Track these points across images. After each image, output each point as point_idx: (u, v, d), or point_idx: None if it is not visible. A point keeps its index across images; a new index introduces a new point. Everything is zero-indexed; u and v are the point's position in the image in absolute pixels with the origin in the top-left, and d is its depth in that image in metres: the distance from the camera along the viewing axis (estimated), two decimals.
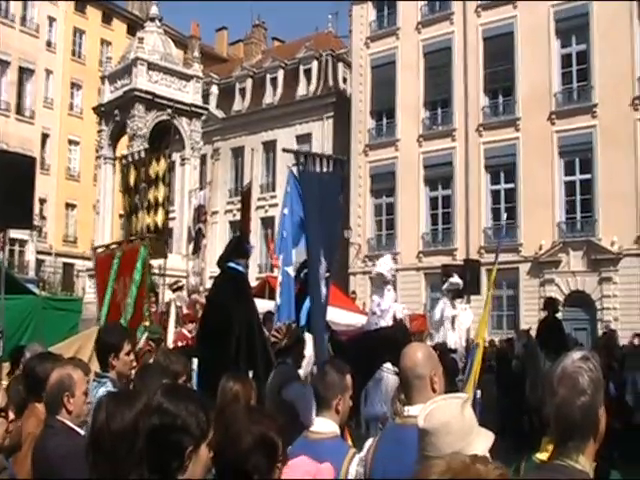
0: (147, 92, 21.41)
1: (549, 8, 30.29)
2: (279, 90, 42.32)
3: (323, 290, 6.17)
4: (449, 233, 32.60)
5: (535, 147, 29.67)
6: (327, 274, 6.23)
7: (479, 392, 5.78)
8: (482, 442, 2.54)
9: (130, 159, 16.18)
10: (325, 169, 6.67)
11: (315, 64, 40.97)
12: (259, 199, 38.67)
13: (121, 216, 23.67)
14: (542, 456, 2.72)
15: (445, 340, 15.81)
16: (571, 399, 2.55)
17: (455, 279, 17.00)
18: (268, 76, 43.05)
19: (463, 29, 32.84)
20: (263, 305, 10.68)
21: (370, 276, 24.16)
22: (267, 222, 38.46)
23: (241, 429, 2.81)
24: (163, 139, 20.92)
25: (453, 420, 2.55)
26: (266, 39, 51.60)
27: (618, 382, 15.21)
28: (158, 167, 15.26)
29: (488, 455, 2.43)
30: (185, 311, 12.86)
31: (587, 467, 2.55)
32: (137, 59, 21.75)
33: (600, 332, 24.25)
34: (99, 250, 13.90)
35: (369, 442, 3.67)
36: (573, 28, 29.88)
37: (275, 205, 35.31)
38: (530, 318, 25.39)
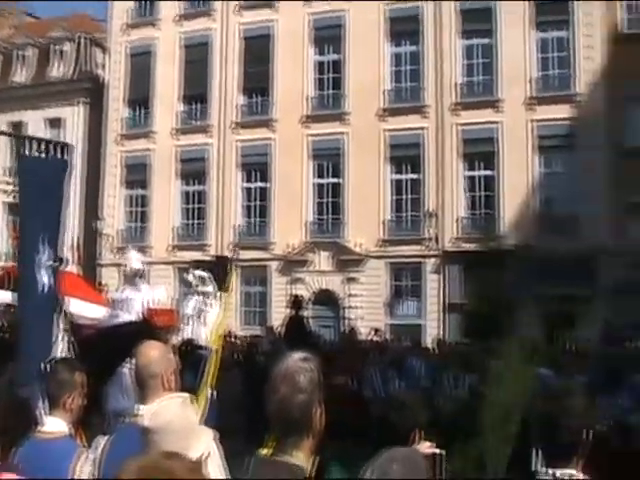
0: None
1: (306, 15, 31.12)
2: (30, 69, 39.96)
3: (43, 279, 5.92)
4: (202, 228, 32.50)
5: (289, 148, 30.33)
6: (53, 263, 5.99)
7: (215, 392, 5.80)
8: (203, 441, 2.61)
9: None
10: (48, 154, 6.39)
11: (69, 45, 39.14)
12: (4, 183, 36.27)
13: None
14: (265, 451, 2.74)
15: (195, 336, 15.66)
16: (290, 397, 2.65)
17: (199, 272, 16.85)
18: (18, 53, 40.52)
19: (221, 26, 32.86)
20: (3, 297, 10.04)
21: (123, 270, 23.46)
22: (13, 208, 36.19)
23: None
24: None
25: (176, 419, 2.56)
26: (18, 13, 48.33)
27: (358, 378, 15.80)
28: None
29: (213, 452, 2.53)
30: None
31: (304, 462, 2.64)
32: None
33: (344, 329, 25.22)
34: None
35: (102, 441, 3.59)
36: (329, 37, 30.96)
37: None
38: (279, 315, 25.80)
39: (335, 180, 30.25)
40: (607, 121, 27.59)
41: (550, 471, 2.94)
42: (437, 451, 2.76)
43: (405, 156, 29.76)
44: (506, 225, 27.70)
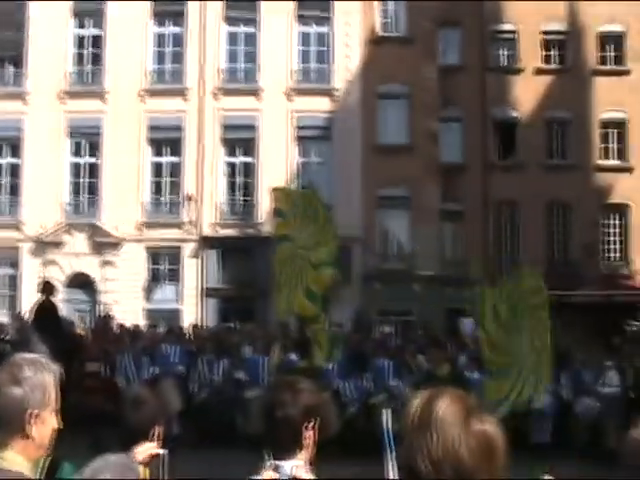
0: None
1: None
2: None
3: None
4: None
5: (44, 125, 28.85)
6: None
7: None
8: None
9: None
10: None
11: None
12: None
13: None
14: None
15: None
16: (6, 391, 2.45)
17: None
18: None
19: None
20: None
21: None
22: None
23: None
24: None
25: None
26: None
27: (112, 364, 15.57)
28: None
29: None
30: None
31: (17, 464, 2.42)
32: None
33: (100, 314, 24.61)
34: None
35: None
36: (90, 12, 29.75)
37: None
38: (32, 299, 24.71)
39: (93, 160, 29.27)
40: (362, 117, 29.00)
41: (274, 462, 3.00)
42: (161, 452, 2.75)
43: (165, 139, 29.41)
44: (264, 212, 28.25)
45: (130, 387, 3.54)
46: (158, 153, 29.62)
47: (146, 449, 2.82)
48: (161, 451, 2.46)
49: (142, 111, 28.94)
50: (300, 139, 29.39)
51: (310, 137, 29.49)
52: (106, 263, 28.40)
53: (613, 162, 31.07)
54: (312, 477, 2.99)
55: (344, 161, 28.78)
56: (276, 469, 2.93)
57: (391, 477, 3.35)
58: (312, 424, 3.11)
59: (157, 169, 29.56)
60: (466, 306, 26.04)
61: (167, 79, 29.74)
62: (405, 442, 1.86)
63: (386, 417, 3.68)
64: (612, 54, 31.59)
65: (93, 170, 29.20)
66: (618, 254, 30.99)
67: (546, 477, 3.10)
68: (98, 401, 14.58)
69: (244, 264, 29.10)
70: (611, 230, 31.10)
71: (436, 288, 28.39)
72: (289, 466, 2.96)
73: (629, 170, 30.72)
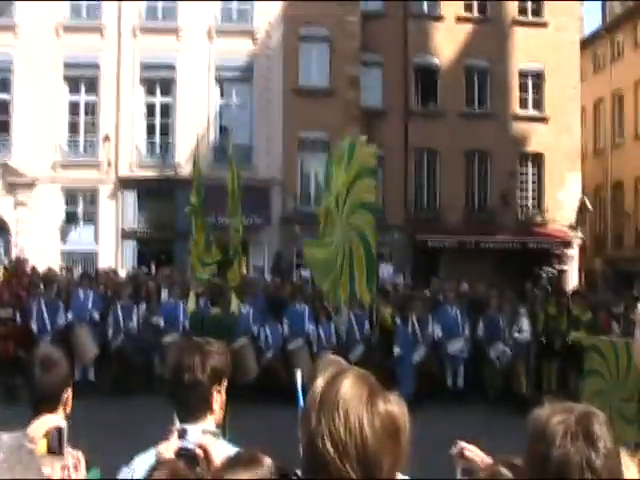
0: None
1: None
2: None
3: None
4: None
5: None
6: None
7: None
8: None
9: None
10: None
11: None
12: None
13: None
14: None
15: None
16: None
17: None
18: None
19: None
20: None
21: None
22: None
23: None
24: None
25: None
26: None
27: (25, 310, 15.30)
28: None
29: None
30: None
31: None
32: None
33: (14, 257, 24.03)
34: None
35: None
36: None
37: None
38: None
39: (6, 96, 28.19)
40: (283, 60, 28.70)
41: (182, 426, 2.96)
42: (61, 425, 2.67)
43: (82, 77, 28.53)
44: (181, 153, 27.89)
45: (39, 346, 3.33)
46: (75, 91, 28.74)
47: (43, 424, 2.73)
48: (61, 425, 2.36)
49: (58, 47, 27.90)
50: (220, 80, 28.93)
51: (231, 78, 29.04)
52: (20, 204, 27.62)
53: (530, 112, 31.61)
54: (219, 441, 2.98)
55: (265, 103, 28.54)
56: (183, 434, 2.91)
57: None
58: (221, 387, 3.07)
59: (73, 108, 28.70)
60: (384, 251, 26.49)
61: (83, 15, 28.71)
62: (307, 423, 1.84)
63: (300, 376, 3.68)
64: (531, 6, 31.89)
65: (3, 108, 28.16)
66: (533, 202, 31.76)
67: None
68: (11, 349, 14.36)
69: (162, 206, 28.79)
70: (526, 179, 31.80)
71: None
72: (197, 430, 2.94)
73: (545, 120, 31.32)
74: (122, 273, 23.11)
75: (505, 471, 2.07)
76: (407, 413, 1.90)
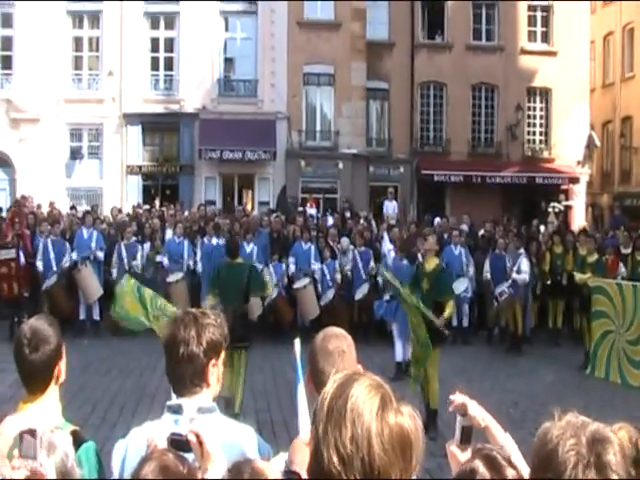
0: None
1: None
2: None
3: None
4: None
5: None
6: None
7: None
8: None
9: None
10: None
11: None
12: None
13: None
14: None
15: None
16: None
17: None
18: None
19: None
20: None
21: None
22: None
23: None
24: None
25: None
26: None
27: (30, 249, 15.35)
28: None
29: None
30: None
31: None
32: None
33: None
34: None
35: None
36: None
37: None
38: None
39: (9, 32, 27.66)
40: None
41: (176, 402, 2.93)
42: (32, 427, 2.40)
43: (85, 11, 28.05)
44: (186, 88, 27.61)
45: (27, 322, 3.16)
46: (79, 26, 28.30)
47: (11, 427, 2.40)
48: (32, 425, 2.11)
49: None
50: (225, 14, 28.41)
51: (235, 11, 28.53)
52: (23, 140, 27.44)
53: (538, 46, 31.02)
54: (215, 417, 2.96)
55: (269, 37, 28.06)
56: (178, 409, 2.89)
57: (300, 410, 3.39)
58: (217, 360, 2.98)
59: (77, 43, 28.29)
60: (389, 188, 26.40)
61: None
62: (314, 431, 1.76)
63: (298, 346, 3.65)
64: None
65: (7, 43, 27.74)
66: (540, 137, 31.42)
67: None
68: (15, 289, 14.43)
69: (167, 140, 28.69)
70: (534, 114, 31.40)
71: (361, 166, 28.56)
72: (193, 405, 2.91)
73: (553, 54, 30.74)
74: (126, 208, 23.12)
75: (483, 470, 2.02)
76: (420, 427, 1.78)
